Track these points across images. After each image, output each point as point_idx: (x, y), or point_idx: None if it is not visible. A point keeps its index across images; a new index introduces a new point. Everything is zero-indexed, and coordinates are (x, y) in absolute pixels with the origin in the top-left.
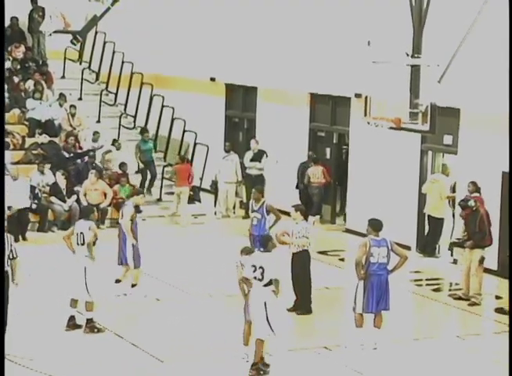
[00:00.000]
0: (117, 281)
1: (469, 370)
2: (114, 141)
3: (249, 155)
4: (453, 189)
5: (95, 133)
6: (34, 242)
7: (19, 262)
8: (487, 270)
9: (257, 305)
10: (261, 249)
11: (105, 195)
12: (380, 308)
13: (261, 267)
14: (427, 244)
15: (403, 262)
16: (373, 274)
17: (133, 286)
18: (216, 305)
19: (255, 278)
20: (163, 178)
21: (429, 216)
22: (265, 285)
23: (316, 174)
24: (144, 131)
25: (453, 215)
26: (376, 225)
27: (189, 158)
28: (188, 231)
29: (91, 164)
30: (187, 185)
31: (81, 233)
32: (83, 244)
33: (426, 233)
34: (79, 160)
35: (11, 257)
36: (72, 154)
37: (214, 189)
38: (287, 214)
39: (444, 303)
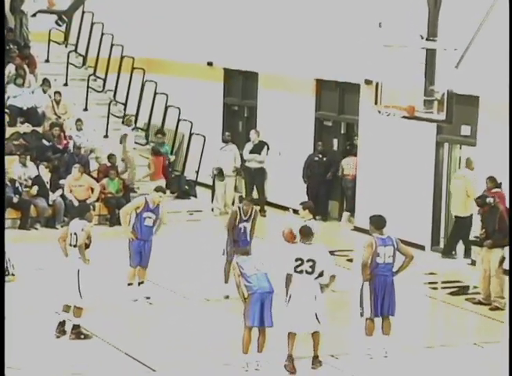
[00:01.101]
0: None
1: None
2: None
3: (248, 147)
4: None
5: (78, 121)
6: (15, 240)
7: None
8: (507, 271)
9: (305, 299)
10: (306, 242)
11: (92, 190)
12: (386, 312)
13: (310, 260)
14: (448, 245)
15: (409, 262)
16: (379, 275)
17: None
18: (213, 309)
19: (302, 272)
20: None
21: (455, 216)
22: (316, 278)
23: (351, 165)
24: (160, 132)
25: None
26: (378, 223)
27: (186, 148)
28: (183, 229)
29: (77, 155)
30: (162, 178)
31: (75, 233)
32: (75, 246)
33: (449, 234)
34: (62, 152)
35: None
36: (52, 143)
37: (220, 179)
38: (293, 210)
39: (461, 308)
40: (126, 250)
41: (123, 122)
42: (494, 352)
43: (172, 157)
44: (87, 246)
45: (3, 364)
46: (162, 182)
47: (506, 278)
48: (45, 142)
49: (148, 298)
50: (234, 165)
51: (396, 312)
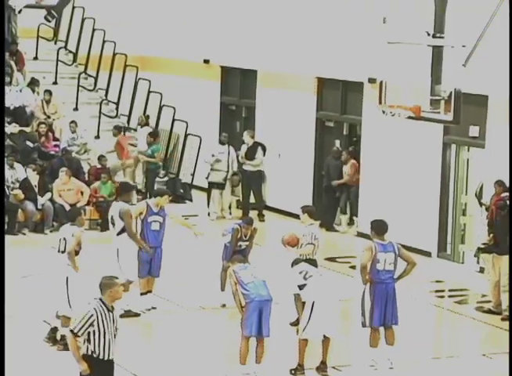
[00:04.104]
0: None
1: None
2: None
3: (243, 150)
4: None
5: (72, 123)
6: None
7: None
8: None
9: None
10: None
11: (82, 193)
12: (388, 322)
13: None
14: None
15: (411, 268)
16: (380, 282)
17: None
18: (208, 318)
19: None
20: None
21: None
22: None
23: (349, 169)
24: (154, 134)
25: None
26: (380, 228)
27: (181, 150)
28: (176, 234)
29: (66, 159)
30: (130, 156)
31: (64, 239)
32: (63, 252)
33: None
34: (54, 153)
35: None
36: (36, 145)
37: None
38: (292, 215)
39: (469, 317)
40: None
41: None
42: (503, 363)
43: (158, 155)
44: (76, 253)
45: (3, 364)
46: (131, 162)
47: None
48: (29, 143)
49: (154, 308)
50: (232, 169)
51: (401, 322)
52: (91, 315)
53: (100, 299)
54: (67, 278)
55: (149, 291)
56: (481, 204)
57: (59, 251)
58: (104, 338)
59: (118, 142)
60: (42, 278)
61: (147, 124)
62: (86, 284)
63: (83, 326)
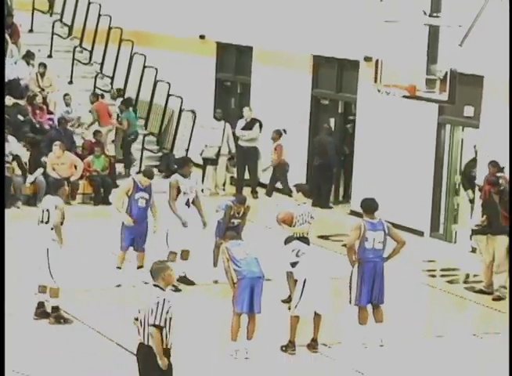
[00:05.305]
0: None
1: (484, 373)
2: None
3: (241, 124)
4: (467, 167)
5: (66, 96)
6: None
7: None
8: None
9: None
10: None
11: (76, 167)
12: (375, 300)
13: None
14: None
15: (400, 248)
16: (368, 261)
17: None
18: (200, 294)
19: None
20: (143, 148)
21: None
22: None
23: None
24: (126, 101)
25: (471, 201)
26: (370, 206)
27: (175, 125)
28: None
29: (63, 130)
30: (111, 124)
31: (47, 210)
32: (47, 223)
33: None
34: (48, 127)
35: None
36: (27, 118)
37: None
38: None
39: (460, 297)
40: (111, 230)
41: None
42: (493, 343)
43: (125, 123)
44: (60, 223)
45: (3, 364)
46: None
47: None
48: (20, 117)
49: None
50: (228, 150)
51: (393, 300)
52: (167, 301)
53: (156, 285)
54: (47, 250)
55: (141, 266)
56: (464, 183)
57: (42, 222)
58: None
59: (96, 109)
60: (31, 250)
61: (120, 96)
62: (67, 255)
63: (161, 315)
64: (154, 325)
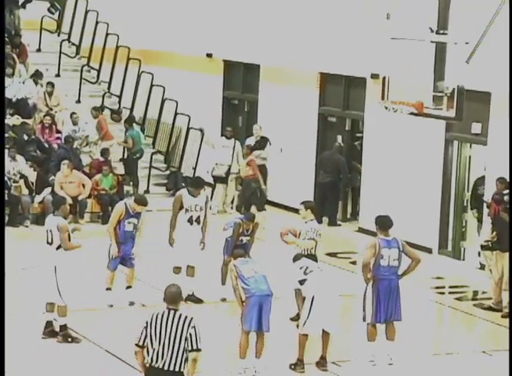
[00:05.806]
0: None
1: None
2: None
3: (250, 141)
4: (475, 185)
5: (74, 114)
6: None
7: None
8: None
9: (327, 296)
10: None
11: (84, 186)
12: (391, 318)
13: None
14: None
15: (415, 265)
16: (383, 279)
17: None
18: (208, 312)
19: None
20: (151, 166)
21: None
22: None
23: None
24: (129, 120)
25: (478, 219)
26: (384, 223)
27: (183, 143)
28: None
29: (70, 149)
30: (112, 138)
31: (50, 230)
32: (51, 244)
33: None
34: (56, 146)
35: None
36: (32, 137)
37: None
38: (292, 210)
39: (469, 314)
40: None
41: (112, 118)
42: (503, 360)
43: (130, 141)
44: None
45: (3, 364)
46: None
47: None
48: (24, 136)
49: (132, 303)
50: (237, 163)
51: (402, 318)
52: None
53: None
54: (55, 267)
55: (129, 287)
56: (472, 202)
57: (47, 243)
58: None
59: (99, 122)
60: (39, 270)
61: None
62: (75, 274)
63: (200, 339)
64: (198, 349)
